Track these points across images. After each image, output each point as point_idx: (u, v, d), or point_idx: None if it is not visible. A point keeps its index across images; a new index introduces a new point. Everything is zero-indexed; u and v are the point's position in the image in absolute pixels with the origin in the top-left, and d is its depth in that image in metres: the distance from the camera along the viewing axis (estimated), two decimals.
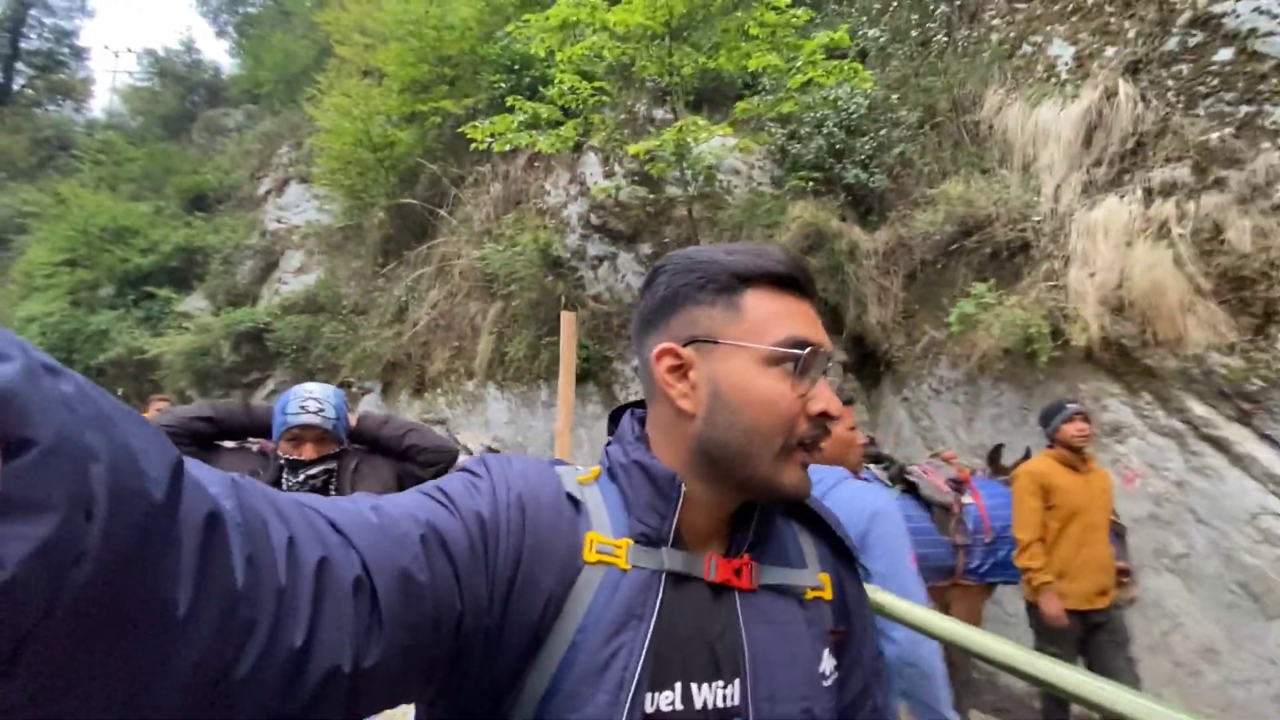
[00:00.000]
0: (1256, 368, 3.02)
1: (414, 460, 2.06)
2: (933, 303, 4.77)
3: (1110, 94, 4.09)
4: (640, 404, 0.73)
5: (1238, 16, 3.68)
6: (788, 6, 5.55)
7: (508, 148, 5.85)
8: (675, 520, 0.63)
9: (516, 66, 7.65)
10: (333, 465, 1.96)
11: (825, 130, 6.13)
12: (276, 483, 1.93)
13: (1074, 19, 4.85)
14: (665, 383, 0.65)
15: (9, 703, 0.29)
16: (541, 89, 6.37)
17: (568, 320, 2.91)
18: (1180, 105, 3.80)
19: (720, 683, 0.60)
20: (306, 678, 0.40)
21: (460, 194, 7.83)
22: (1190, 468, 3.17)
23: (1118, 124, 4.01)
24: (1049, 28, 5.09)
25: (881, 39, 6.58)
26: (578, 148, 6.91)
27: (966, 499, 2.98)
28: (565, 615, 0.58)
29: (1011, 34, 5.41)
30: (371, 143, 8.36)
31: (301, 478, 1.91)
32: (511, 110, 5.85)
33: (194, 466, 0.38)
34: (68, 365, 0.31)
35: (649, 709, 0.57)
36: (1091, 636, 2.66)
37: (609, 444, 0.72)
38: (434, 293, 7.58)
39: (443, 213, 7.81)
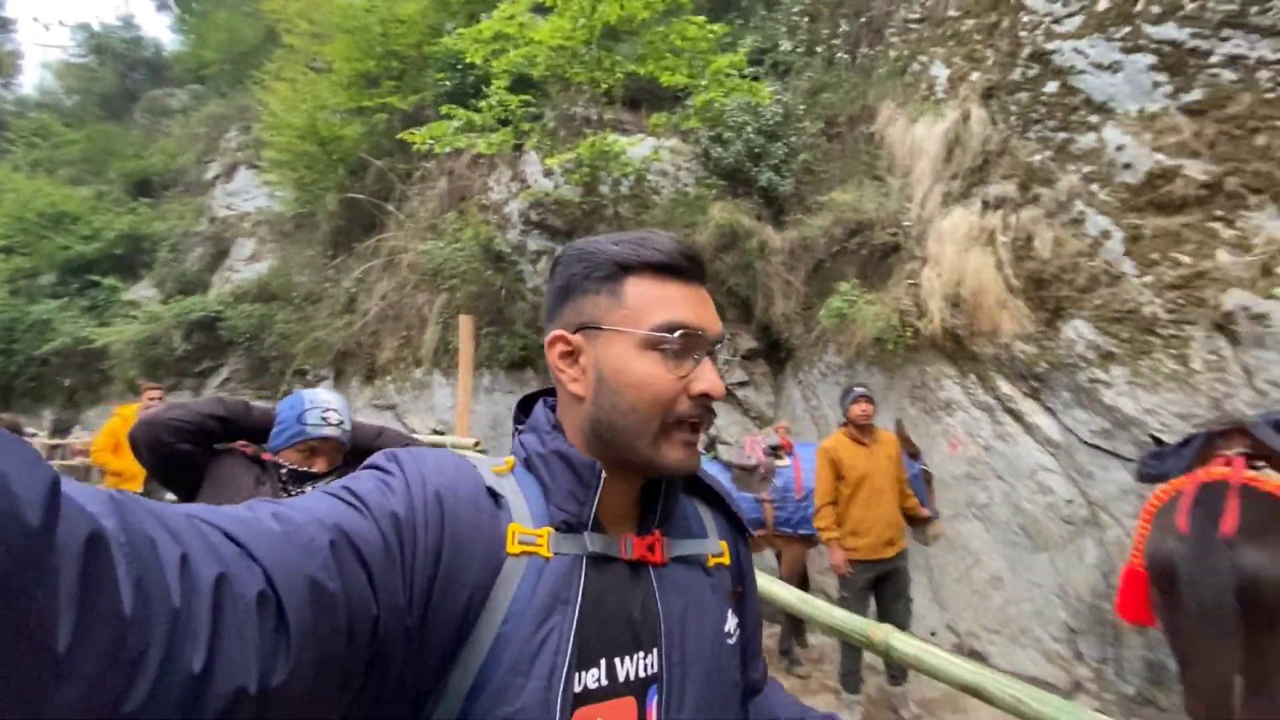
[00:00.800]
0: (1045, 353, 3.76)
1: None
2: (826, 296, 5.44)
3: (967, 116, 4.77)
4: (550, 391, 0.76)
5: (1063, 54, 4.37)
6: (705, 23, 6.10)
7: (448, 150, 6.28)
8: (594, 505, 0.66)
9: (460, 65, 8.02)
10: (335, 478, 1.85)
11: (745, 135, 6.73)
12: (277, 495, 1.81)
13: (951, 43, 5.51)
14: (557, 368, 0.70)
15: None
16: (484, 88, 6.80)
17: (465, 322, 3.37)
18: (1018, 129, 4.50)
19: (641, 653, 0.64)
20: (208, 703, 0.39)
21: (406, 190, 8.20)
22: (996, 435, 3.91)
23: (971, 142, 4.70)
24: (933, 49, 5.75)
25: (798, 50, 7.18)
26: (518, 146, 7.38)
27: (784, 462, 3.66)
28: (490, 608, 0.59)
29: (905, 52, 6.05)
30: (319, 136, 8.63)
31: (308, 490, 1.78)
32: (449, 116, 6.27)
33: (68, 485, 0.36)
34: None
35: (577, 689, 0.59)
36: (881, 582, 3.27)
37: (520, 432, 0.74)
38: (383, 284, 7.97)
39: (389, 207, 8.18)
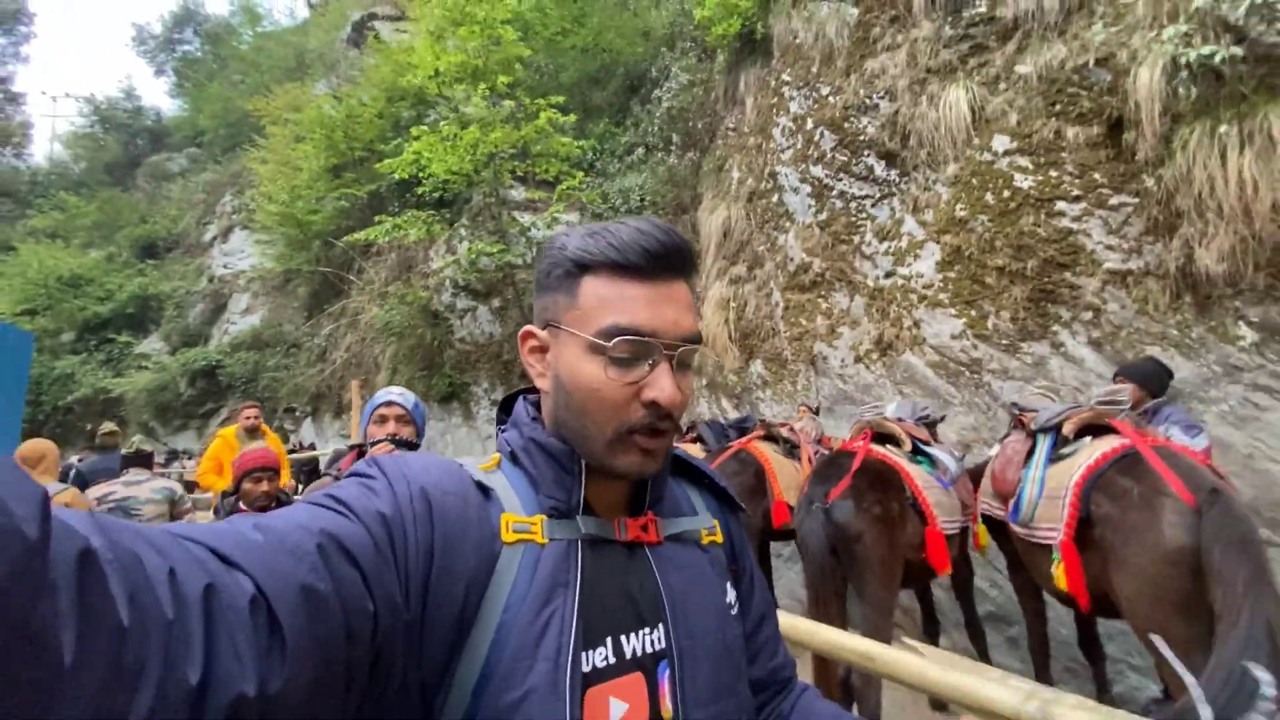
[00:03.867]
0: (741, 381, 6.00)
1: None
2: None
3: (733, 214, 7.08)
4: (531, 390, 0.79)
5: (784, 176, 6.67)
6: (573, 140, 8.48)
7: (385, 239, 8.65)
8: (582, 490, 0.69)
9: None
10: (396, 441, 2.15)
11: (620, 212, 9.07)
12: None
13: (740, 153, 7.84)
14: (527, 363, 0.74)
15: None
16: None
17: (355, 387, 4.47)
18: (756, 226, 6.78)
19: (646, 629, 0.68)
20: (209, 711, 0.40)
21: (364, 264, 10.59)
22: None
23: (734, 233, 6.99)
24: (736, 155, 8.08)
25: (658, 146, 9.55)
26: (452, 222, 9.75)
27: None
28: (490, 597, 0.61)
29: (719, 155, 8.39)
30: (295, 220, 11.07)
31: (373, 445, 2.13)
32: (392, 212, 8.65)
33: (53, 507, 0.36)
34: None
35: (585, 668, 0.62)
36: None
37: (502, 431, 0.78)
38: (348, 338, 10.32)
39: (351, 277, 10.57)
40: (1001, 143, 4.32)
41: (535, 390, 0.77)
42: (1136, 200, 3.56)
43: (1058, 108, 4.06)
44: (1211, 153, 3.20)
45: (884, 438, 3.06)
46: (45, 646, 0.32)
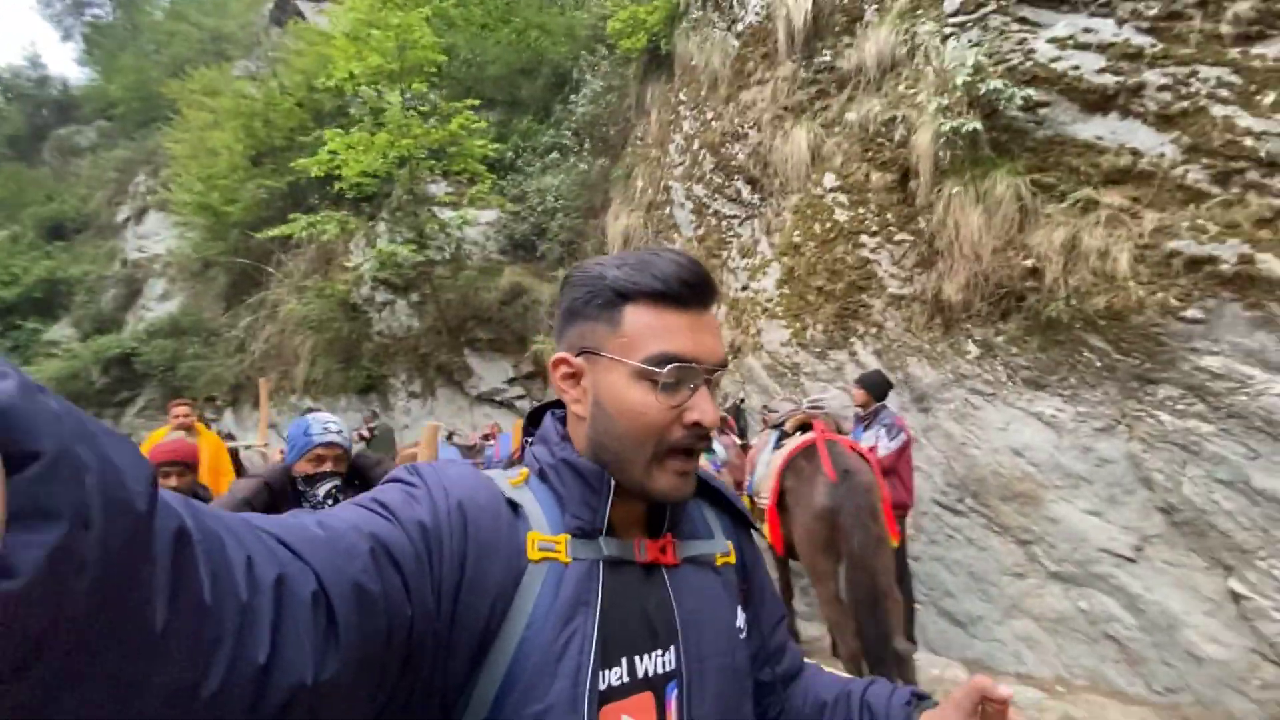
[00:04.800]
0: None
1: None
2: None
3: (633, 222, 7.76)
4: (557, 404, 0.82)
5: (676, 191, 7.38)
6: (487, 142, 8.95)
7: (303, 234, 8.96)
8: (608, 512, 0.72)
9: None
10: (339, 482, 2.14)
11: (536, 212, 9.61)
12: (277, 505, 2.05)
13: (649, 161, 8.52)
14: (560, 389, 0.77)
15: (16, 702, 0.32)
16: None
17: (264, 385, 4.15)
18: (652, 236, 7.49)
19: (659, 651, 0.71)
20: (272, 693, 0.43)
21: (283, 256, 10.79)
22: None
23: (634, 241, 7.68)
24: (641, 165, 8.75)
25: (573, 146, 10.12)
26: (372, 216, 10.09)
27: (491, 444, 6.51)
28: (513, 613, 0.64)
29: (629, 163, 9.04)
30: (213, 211, 11.13)
31: (322, 492, 2.10)
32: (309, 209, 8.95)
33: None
34: None
35: (601, 687, 0.65)
36: None
37: (530, 444, 0.81)
38: (267, 329, 10.54)
39: (269, 269, 10.77)
40: (829, 180, 5.14)
41: (561, 405, 0.81)
42: (914, 238, 4.43)
43: (869, 154, 4.89)
44: (960, 204, 4.07)
45: None
46: (141, 612, 0.36)
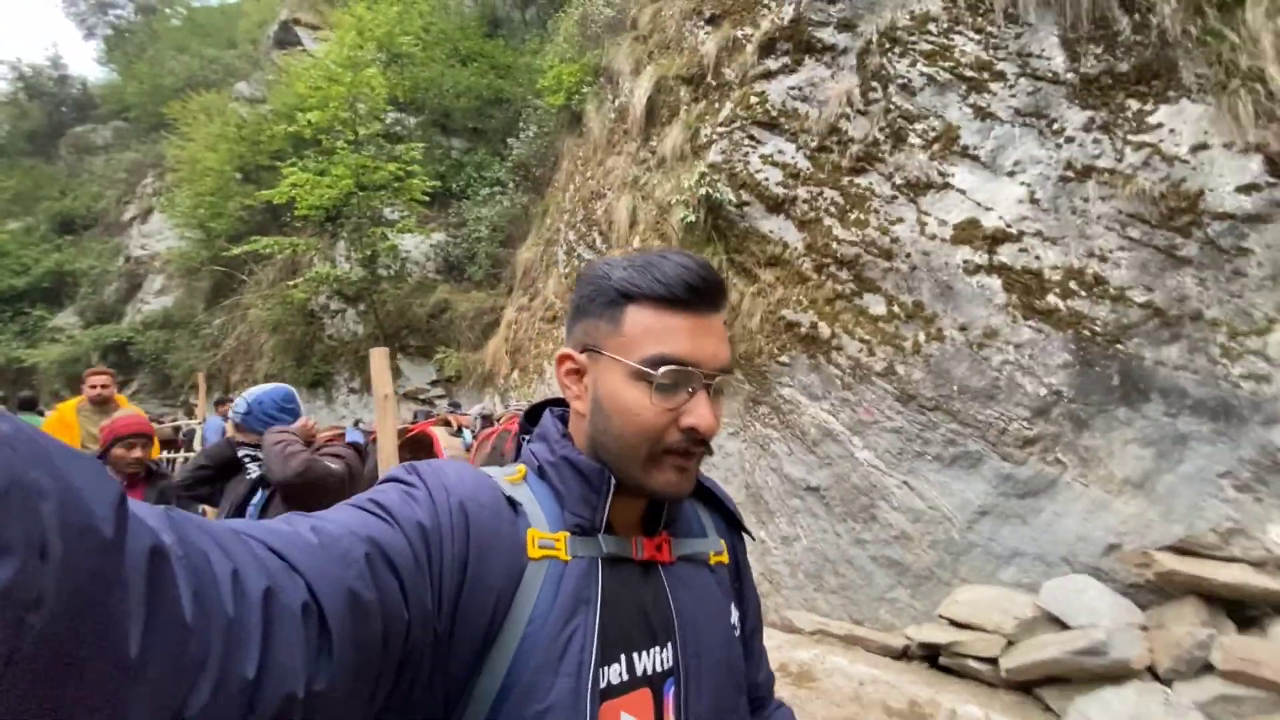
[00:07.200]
0: (523, 389, 8.51)
1: None
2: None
3: (534, 255, 9.55)
4: (557, 401, 0.85)
5: (563, 233, 9.15)
6: (425, 178, 10.79)
7: (269, 250, 10.84)
8: (607, 509, 0.75)
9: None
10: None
11: (470, 239, 11.42)
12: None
13: (559, 204, 10.31)
14: (563, 384, 0.80)
15: None
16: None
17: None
18: (542, 268, 9.26)
19: (656, 648, 0.74)
20: (262, 708, 0.43)
21: (254, 266, 12.70)
22: None
23: (531, 271, 9.47)
24: (552, 206, 10.54)
25: (508, 181, 11.94)
26: (334, 235, 11.96)
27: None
28: (514, 611, 0.66)
29: (547, 204, 10.82)
30: (201, 225, 13.09)
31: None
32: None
33: (130, 502, 0.39)
34: None
35: (602, 684, 0.67)
36: None
37: (529, 441, 0.84)
38: (239, 328, 12.45)
39: (243, 276, 12.69)
40: (636, 242, 6.88)
41: (561, 403, 0.85)
42: None
43: (659, 225, 6.63)
44: None
45: (447, 423, 5.64)
46: (114, 640, 0.35)
